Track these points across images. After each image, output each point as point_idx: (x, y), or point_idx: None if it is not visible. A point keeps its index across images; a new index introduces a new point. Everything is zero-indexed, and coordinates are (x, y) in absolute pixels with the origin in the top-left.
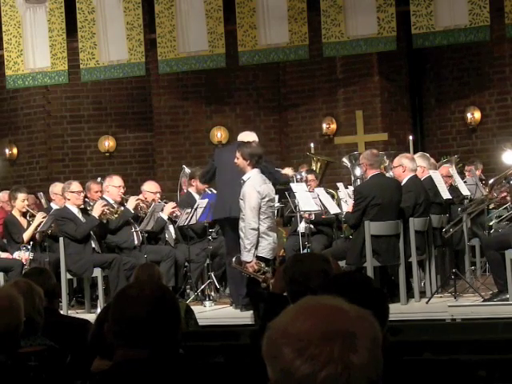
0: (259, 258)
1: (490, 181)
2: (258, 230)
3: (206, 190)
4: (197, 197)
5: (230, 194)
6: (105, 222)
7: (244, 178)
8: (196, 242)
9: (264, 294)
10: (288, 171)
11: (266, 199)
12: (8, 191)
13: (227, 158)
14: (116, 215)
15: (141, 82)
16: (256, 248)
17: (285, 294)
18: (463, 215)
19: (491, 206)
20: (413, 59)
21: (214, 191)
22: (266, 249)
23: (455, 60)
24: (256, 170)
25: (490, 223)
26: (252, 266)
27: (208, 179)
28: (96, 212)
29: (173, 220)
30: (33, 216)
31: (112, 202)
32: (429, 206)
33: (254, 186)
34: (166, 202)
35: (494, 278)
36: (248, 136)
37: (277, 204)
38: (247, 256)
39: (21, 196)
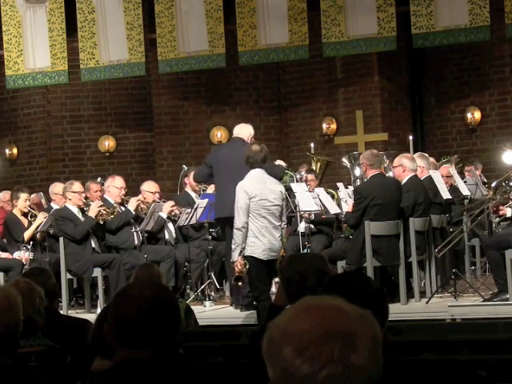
0: (254, 259)
1: (493, 183)
2: (243, 229)
3: (201, 187)
4: (193, 195)
5: (229, 193)
6: (101, 223)
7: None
8: (195, 238)
9: (260, 299)
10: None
11: (257, 199)
12: (8, 191)
13: (224, 156)
14: (112, 216)
15: (141, 81)
16: (244, 248)
17: (287, 306)
18: (464, 226)
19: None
20: (413, 59)
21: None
22: (258, 249)
23: (455, 60)
24: (256, 170)
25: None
26: (236, 266)
27: (201, 180)
28: (92, 212)
29: (172, 219)
30: (34, 216)
31: (112, 202)
32: (429, 206)
33: (243, 186)
34: (164, 202)
35: (494, 278)
36: (243, 129)
37: None
38: (232, 256)
39: (23, 196)
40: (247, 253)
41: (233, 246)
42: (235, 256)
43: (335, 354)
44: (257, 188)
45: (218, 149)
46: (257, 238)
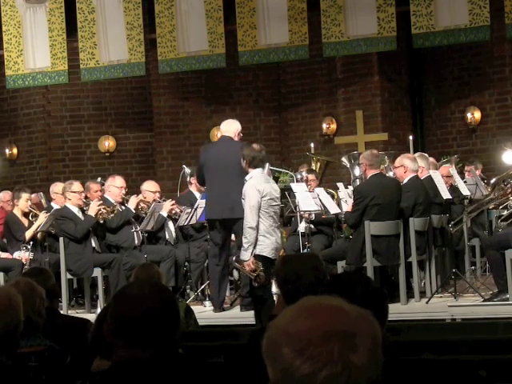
0: (262, 258)
1: (492, 180)
2: (256, 228)
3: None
4: (197, 195)
5: (219, 194)
6: (101, 221)
7: (246, 177)
8: (196, 239)
9: (264, 298)
10: None
11: (267, 198)
12: (8, 191)
13: (213, 156)
14: (112, 215)
15: (141, 81)
16: (255, 247)
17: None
18: (464, 215)
19: (491, 207)
20: (413, 59)
21: None
22: (268, 248)
23: (455, 60)
24: (258, 170)
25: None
26: (249, 265)
27: (201, 183)
28: (92, 211)
29: (173, 218)
30: (36, 216)
31: (113, 201)
32: (429, 206)
33: (255, 185)
34: (164, 201)
35: (494, 278)
36: (230, 125)
37: None
38: (244, 255)
39: (24, 196)
40: (256, 252)
41: (245, 245)
42: (248, 255)
43: (335, 353)
44: (266, 187)
45: (206, 148)
46: (265, 236)
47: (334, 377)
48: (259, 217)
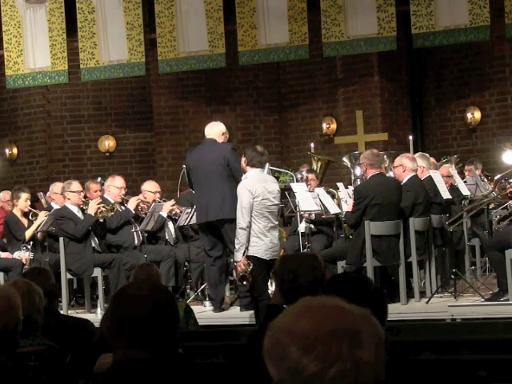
0: (255, 259)
1: (496, 176)
2: (247, 229)
3: None
4: None
5: (205, 196)
6: (101, 220)
7: (243, 177)
8: (196, 240)
9: (260, 300)
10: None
11: (260, 198)
12: (8, 191)
13: (196, 159)
14: (112, 212)
15: (141, 81)
16: (247, 248)
17: (284, 306)
18: (464, 212)
19: (491, 206)
20: (413, 59)
21: None
22: (261, 249)
23: (455, 60)
24: (255, 170)
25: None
26: (240, 266)
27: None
28: (91, 210)
29: (173, 218)
30: (36, 215)
31: (112, 202)
32: (429, 205)
33: (246, 186)
34: (165, 201)
35: (497, 278)
36: (213, 128)
37: None
38: (236, 255)
39: (24, 196)
40: (250, 253)
41: (236, 246)
42: (239, 256)
43: (344, 351)
44: (259, 188)
45: (191, 152)
46: (259, 237)
47: (343, 374)
48: (252, 218)
